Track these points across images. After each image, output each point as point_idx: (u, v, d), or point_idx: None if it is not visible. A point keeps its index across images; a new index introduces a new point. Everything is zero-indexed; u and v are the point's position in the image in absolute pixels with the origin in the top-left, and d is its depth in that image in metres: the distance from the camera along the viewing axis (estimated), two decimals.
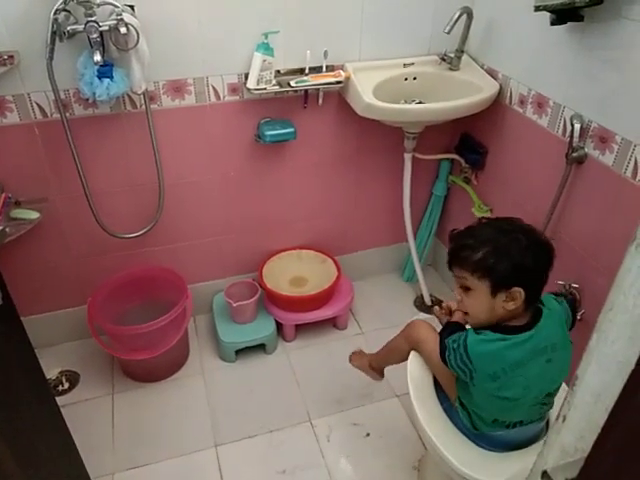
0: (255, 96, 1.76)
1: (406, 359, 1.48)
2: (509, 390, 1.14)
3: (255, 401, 1.89)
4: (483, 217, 1.28)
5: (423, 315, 2.24)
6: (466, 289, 1.16)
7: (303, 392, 1.92)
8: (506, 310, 1.13)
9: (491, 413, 1.21)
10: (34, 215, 1.67)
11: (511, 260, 1.09)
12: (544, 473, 0.42)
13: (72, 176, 1.67)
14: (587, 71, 1.45)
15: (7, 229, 1.58)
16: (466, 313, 1.21)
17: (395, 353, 1.54)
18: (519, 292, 1.11)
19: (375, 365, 1.66)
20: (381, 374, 1.68)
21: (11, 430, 0.89)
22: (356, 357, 1.75)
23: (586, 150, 1.49)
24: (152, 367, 1.91)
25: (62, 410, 1.10)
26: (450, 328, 1.27)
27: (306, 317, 2.06)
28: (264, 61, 1.65)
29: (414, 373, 1.42)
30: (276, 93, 1.76)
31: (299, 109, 1.86)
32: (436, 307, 1.45)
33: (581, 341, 0.44)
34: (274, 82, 1.71)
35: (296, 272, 2.18)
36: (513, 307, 1.12)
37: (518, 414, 1.21)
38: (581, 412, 0.40)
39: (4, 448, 0.86)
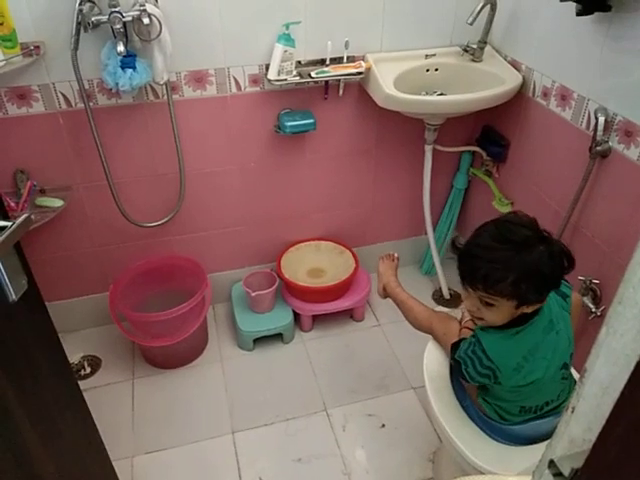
0: (276, 87, 1.76)
1: (411, 323, 1.45)
2: (533, 374, 1.13)
3: (272, 389, 1.91)
4: (486, 223, 1.16)
5: (441, 308, 2.23)
6: (488, 304, 1.11)
7: (319, 382, 1.93)
8: (524, 313, 1.12)
9: (517, 403, 1.20)
10: (58, 203, 1.71)
11: (541, 278, 1.06)
12: (551, 462, 0.42)
13: (95, 165, 1.70)
14: (613, 63, 1.42)
15: (32, 216, 1.61)
16: (480, 319, 1.16)
17: (413, 315, 1.45)
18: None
19: (388, 292, 1.56)
20: (384, 297, 1.60)
21: (36, 412, 0.92)
22: (384, 267, 1.64)
23: (610, 144, 1.46)
24: (171, 354, 1.94)
25: (84, 394, 1.13)
26: (453, 348, 1.25)
27: (323, 308, 2.08)
28: (285, 52, 1.65)
29: (430, 366, 1.42)
30: (297, 84, 1.76)
31: (319, 100, 1.86)
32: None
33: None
34: (295, 73, 1.71)
35: (314, 263, 2.19)
36: (532, 310, 1.12)
37: (543, 395, 1.20)
38: (589, 404, 0.41)
39: (31, 430, 0.89)
